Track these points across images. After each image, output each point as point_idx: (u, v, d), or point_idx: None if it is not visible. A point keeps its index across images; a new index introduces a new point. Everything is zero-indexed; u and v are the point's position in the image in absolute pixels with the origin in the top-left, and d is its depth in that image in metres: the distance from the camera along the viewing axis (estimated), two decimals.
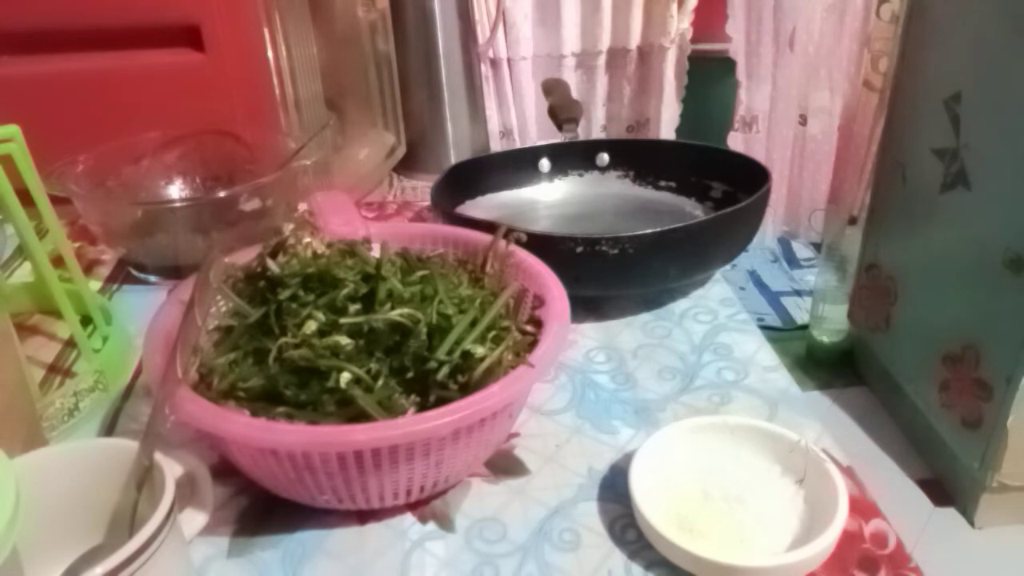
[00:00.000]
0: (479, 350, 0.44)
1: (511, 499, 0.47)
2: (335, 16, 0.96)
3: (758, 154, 1.82)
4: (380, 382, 0.42)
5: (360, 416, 0.41)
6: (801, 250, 2.02)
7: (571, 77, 1.68)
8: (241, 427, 0.40)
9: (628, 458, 0.46)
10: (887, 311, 1.47)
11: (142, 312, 0.55)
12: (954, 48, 1.22)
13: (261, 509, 0.46)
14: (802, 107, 1.85)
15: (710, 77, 1.80)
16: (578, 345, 0.62)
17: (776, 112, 1.83)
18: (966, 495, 1.27)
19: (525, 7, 1.60)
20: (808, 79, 1.81)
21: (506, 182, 0.83)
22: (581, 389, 0.57)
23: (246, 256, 0.51)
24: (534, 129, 1.68)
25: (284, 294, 0.45)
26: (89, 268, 0.76)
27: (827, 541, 0.40)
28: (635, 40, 1.70)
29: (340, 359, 0.42)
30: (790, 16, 1.72)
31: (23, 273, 0.72)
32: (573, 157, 0.84)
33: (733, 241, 0.68)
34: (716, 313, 0.66)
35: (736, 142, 1.84)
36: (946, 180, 1.24)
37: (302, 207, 0.69)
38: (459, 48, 1.13)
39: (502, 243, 0.55)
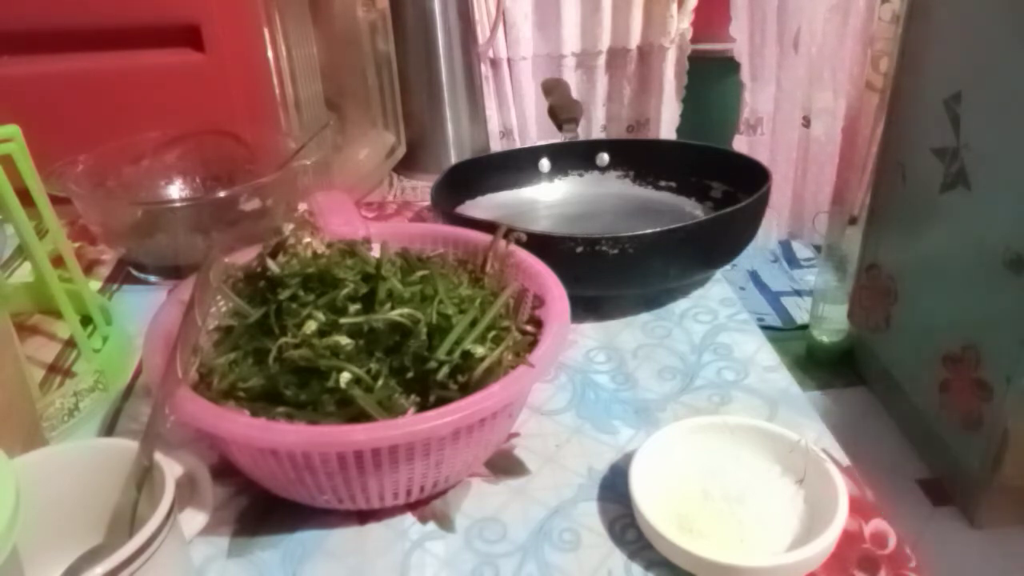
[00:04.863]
0: (479, 350, 0.44)
1: (511, 499, 0.47)
2: (335, 16, 0.96)
3: (762, 157, 1.82)
4: (380, 382, 0.42)
5: (360, 416, 0.41)
6: (801, 250, 2.02)
7: (571, 77, 1.69)
8: (241, 427, 0.40)
9: (628, 458, 0.46)
10: (887, 311, 1.47)
11: (142, 312, 0.55)
12: (954, 48, 1.22)
13: (261, 509, 0.46)
14: (805, 108, 1.85)
15: (711, 77, 1.80)
16: (578, 345, 0.62)
17: (780, 114, 1.83)
18: (966, 495, 1.27)
19: (525, 7, 1.60)
20: (812, 81, 1.81)
21: (506, 182, 0.83)
22: (581, 389, 0.57)
23: (246, 256, 0.51)
24: (534, 129, 1.68)
25: (284, 294, 0.45)
26: (89, 268, 0.75)
27: (827, 541, 0.40)
28: (635, 40, 1.70)
29: (340, 359, 0.42)
30: (794, 17, 1.72)
31: (23, 273, 0.72)
32: (573, 157, 0.84)
33: (733, 241, 0.68)
34: (716, 313, 0.66)
35: (741, 145, 1.84)
36: (946, 180, 1.24)
37: (302, 207, 0.69)
38: (459, 48, 1.13)
39: (502, 243, 0.55)
